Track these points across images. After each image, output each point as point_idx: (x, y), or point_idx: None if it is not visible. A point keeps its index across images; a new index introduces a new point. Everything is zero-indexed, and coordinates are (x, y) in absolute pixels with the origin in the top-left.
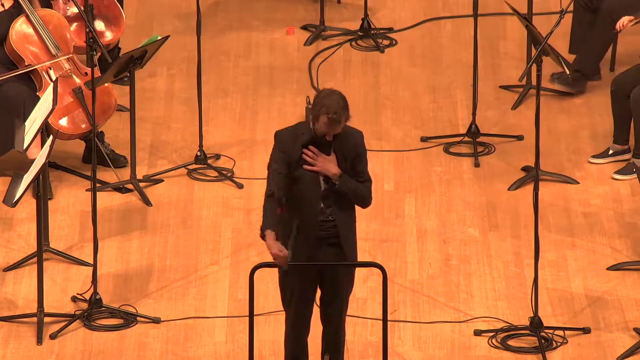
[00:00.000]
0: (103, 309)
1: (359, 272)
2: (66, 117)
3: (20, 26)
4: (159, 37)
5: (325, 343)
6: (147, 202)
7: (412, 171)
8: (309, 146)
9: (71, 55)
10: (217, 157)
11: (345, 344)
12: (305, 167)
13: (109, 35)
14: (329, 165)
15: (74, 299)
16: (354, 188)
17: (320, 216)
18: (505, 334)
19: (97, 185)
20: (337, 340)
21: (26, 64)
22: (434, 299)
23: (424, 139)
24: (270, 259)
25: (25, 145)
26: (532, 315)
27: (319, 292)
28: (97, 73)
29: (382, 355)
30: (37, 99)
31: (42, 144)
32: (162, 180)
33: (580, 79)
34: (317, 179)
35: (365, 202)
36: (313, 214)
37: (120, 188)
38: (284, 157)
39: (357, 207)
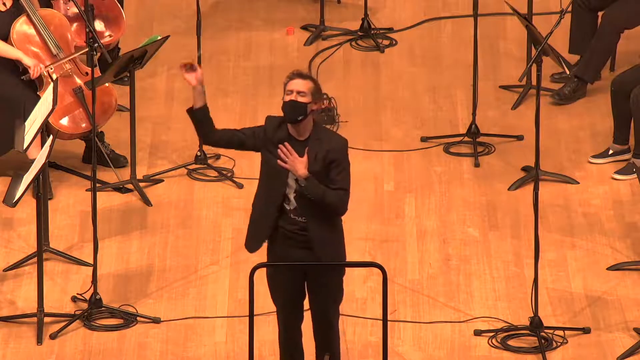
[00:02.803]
0: (103, 309)
1: (360, 272)
2: (66, 117)
3: (21, 26)
4: (159, 37)
5: (318, 344)
6: (147, 202)
7: (412, 171)
8: (285, 143)
9: (75, 56)
10: (217, 157)
11: (339, 347)
12: (279, 162)
13: (108, 34)
14: (298, 165)
15: (74, 299)
16: (320, 194)
17: (288, 213)
18: (505, 334)
19: (97, 185)
20: (329, 343)
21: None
22: (434, 299)
23: (424, 139)
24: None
25: (25, 145)
26: (532, 315)
27: None
28: (97, 73)
29: (382, 355)
30: (38, 98)
31: (42, 144)
32: (162, 180)
33: (580, 87)
34: (284, 176)
35: (336, 210)
36: (274, 202)
37: (120, 188)
38: (259, 135)
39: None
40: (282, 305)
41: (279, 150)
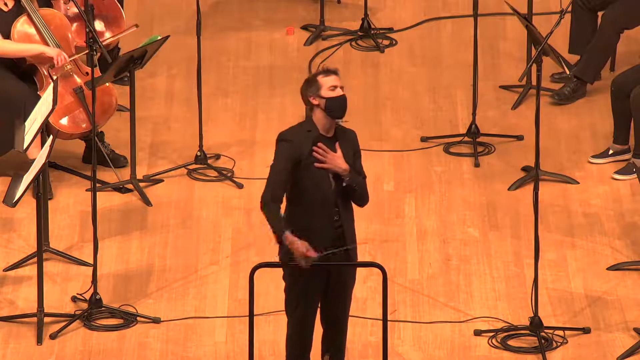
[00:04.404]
0: (103, 309)
1: (360, 272)
2: (66, 117)
3: (22, 26)
4: (159, 37)
5: (328, 344)
6: (147, 202)
7: (412, 171)
8: (318, 143)
9: (76, 57)
10: (217, 157)
11: (345, 344)
12: (317, 165)
13: (108, 35)
14: (338, 161)
15: (74, 299)
16: (362, 183)
17: (335, 216)
18: (505, 334)
19: (97, 185)
20: (341, 341)
21: (27, 63)
22: (434, 299)
23: (424, 139)
24: (270, 257)
25: (25, 145)
26: (532, 315)
27: None
28: (97, 73)
29: (382, 355)
30: (38, 98)
31: (42, 144)
32: (162, 180)
33: (580, 87)
34: (327, 178)
35: (366, 198)
36: (329, 214)
37: (120, 188)
38: (293, 154)
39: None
40: (305, 306)
41: (314, 153)
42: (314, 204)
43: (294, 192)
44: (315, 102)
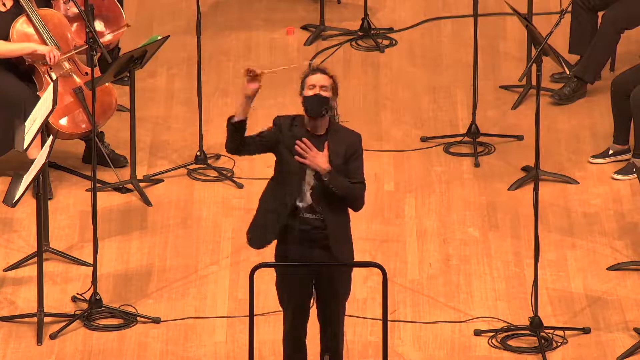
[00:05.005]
0: (103, 309)
1: (360, 272)
2: (66, 117)
3: (21, 26)
4: (159, 37)
5: (325, 344)
6: (147, 202)
7: (412, 171)
8: (304, 139)
9: (72, 53)
10: (217, 157)
11: (344, 345)
12: (297, 157)
13: (109, 36)
14: (319, 160)
15: (74, 299)
16: (345, 186)
17: (300, 212)
18: (505, 334)
19: (97, 185)
20: (336, 342)
21: (27, 63)
22: (434, 299)
23: (424, 139)
24: (269, 257)
25: (25, 145)
26: (532, 315)
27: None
28: (97, 73)
29: (382, 355)
30: (38, 98)
31: (42, 144)
32: (162, 180)
33: (580, 87)
34: (302, 172)
35: (356, 203)
36: (290, 200)
37: (120, 188)
38: (274, 136)
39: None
40: (293, 305)
41: (296, 147)
42: (280, 192)
43: (275, 175)
44: (300, 100)
